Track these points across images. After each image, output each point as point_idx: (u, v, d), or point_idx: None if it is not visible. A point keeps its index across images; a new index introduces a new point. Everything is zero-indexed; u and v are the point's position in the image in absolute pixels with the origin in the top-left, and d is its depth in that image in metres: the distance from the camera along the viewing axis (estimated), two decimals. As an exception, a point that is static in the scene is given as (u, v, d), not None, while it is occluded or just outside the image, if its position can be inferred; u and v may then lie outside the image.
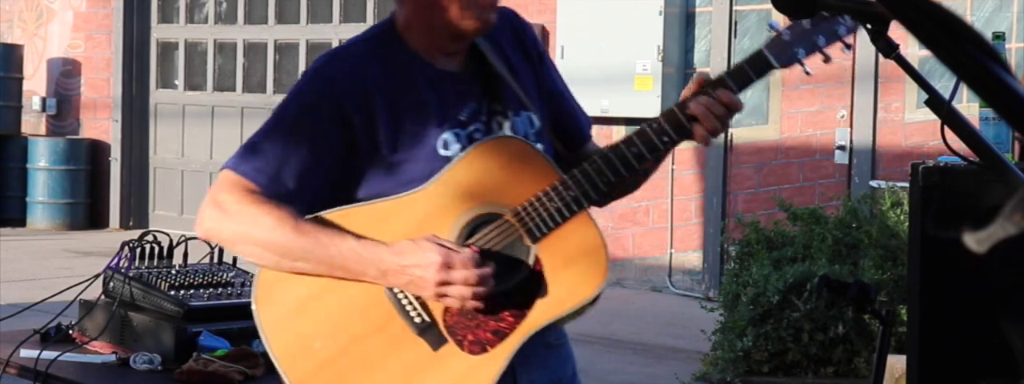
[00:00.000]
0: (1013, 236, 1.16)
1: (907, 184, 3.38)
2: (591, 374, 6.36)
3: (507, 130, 2.30)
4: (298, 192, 2.20)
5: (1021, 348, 3.01)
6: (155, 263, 3.24)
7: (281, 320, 2.21)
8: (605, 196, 2.30)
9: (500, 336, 2.18)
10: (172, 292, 3.10)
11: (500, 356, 2.18)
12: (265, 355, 2.31)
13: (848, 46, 2.20)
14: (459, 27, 2.25)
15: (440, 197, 2.20)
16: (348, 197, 2.24)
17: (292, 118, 2.24)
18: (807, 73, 2.24)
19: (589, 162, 2.19)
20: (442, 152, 2.23)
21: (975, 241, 1.19)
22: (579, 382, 2.45)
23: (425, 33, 2.28)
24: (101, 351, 3.12)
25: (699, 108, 2.16)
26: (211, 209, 2.20)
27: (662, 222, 8.98)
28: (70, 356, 3.04)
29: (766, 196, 8.29)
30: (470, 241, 2.19)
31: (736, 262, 6.16)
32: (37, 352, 3.01)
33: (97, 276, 3.18)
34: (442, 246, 2.14)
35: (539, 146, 2.28)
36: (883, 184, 6.47)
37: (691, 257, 8.91)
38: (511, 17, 2.41)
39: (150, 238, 3.25)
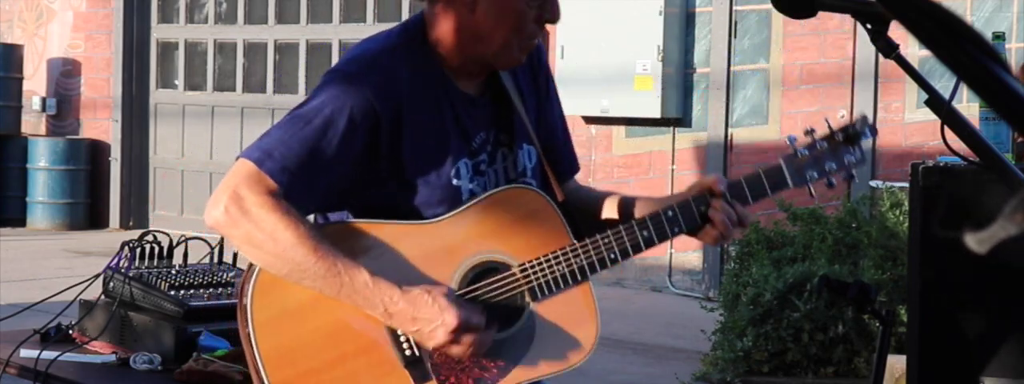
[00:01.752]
0: (1014, 236, 1.16)
1: (907, 184, 3.38)
2: (591, 374, 6.35)
3: (510, 163, 2.33)
4: (314, 193, 2.18)
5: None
6: (155, 263, 3.23)
7: (274, 321, 2.20)
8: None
9: None
10: (172, 292, 3.09)
11: None
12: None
13: (851, 176, 2.29)
14: (496, 61, 2.27)
15: (452, 235, 2.21)
16: (353, 202, 2.24)
17: (325, 120, 2.17)
18: (811, 195, 2.31)
19: (602, 235, 2.24)
20: (454, 181, 2.25)
21: (976, 241, 1.19)
22: None
23: (456, 55, 2.28)
24: (101, 351, 3.12)
25: (717, 214, 2.23)
26: (230, 203, 2.12)
27: (662, 222, 8.97)
28: (70, 356, 3.04)
29: (766, 196, 8.27)
30: (471, 288, 2.22)
31: (736, 262, 6.17)
32: (37, 352, 3.00)
33: (97, 276, 3.18)
34: (459, 309, 2.14)
35: (533, 181, 2.34)
36: (883, 184, 6.46)
37: (691, 257, 8.91)
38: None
39: (150, 238, 3.25)
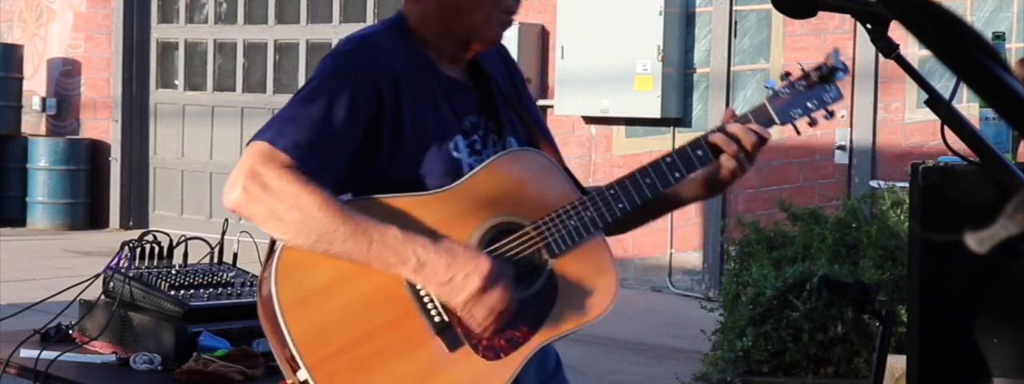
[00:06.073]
0: (1014, 236, 1.16)
1: (907, 184, 3.38)
2: (591, 374, 6.35)
3: (500, 149, 2.36)
4: (327, 168, 2.18)
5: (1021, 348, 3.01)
6: (155, 263, 3.24)
7: (301, 302, 2.17)
8: (622, 225, 2.39)
9: (514, 345, 2.23)
10: (172, 292, 3.09)
11: (512, 364, 2.22)
12: (267, 354, 2.29)
13: (831, 114, 2.40)
14: (478, 35, 2.31)
15: (463, 201, 2.23)
16: (364, 176, 2.25)
17: (328, 93, 2.21)
18: (797, 133, 2.44)
19: (608, 186, 2.28)
20: (454, 154, 2.28)
21: (976, 241, 1.19)
22: (563, 372, 2.52)
23: (439, 34, 2.32)
24: (101, 351, 3.12)
25: (721, 137, 2.34)
26: (249, 182, 2.12)
27: (662, 222, 8.98)
28: (70, 356, 3.04)
29: (766, 196, 8.29)
30: (490, 248, 2.23)
31: (736, 262, 6.17)
32: (37, 352, 3.00)
33: (97, 276, 3.18)
34: (490, 257, 2.15)
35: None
36: (883, 184, 6.46)
37: (691, 257, 8.91)
38: (501, 49, 2.49)
39: (150, 238, 3.25)
